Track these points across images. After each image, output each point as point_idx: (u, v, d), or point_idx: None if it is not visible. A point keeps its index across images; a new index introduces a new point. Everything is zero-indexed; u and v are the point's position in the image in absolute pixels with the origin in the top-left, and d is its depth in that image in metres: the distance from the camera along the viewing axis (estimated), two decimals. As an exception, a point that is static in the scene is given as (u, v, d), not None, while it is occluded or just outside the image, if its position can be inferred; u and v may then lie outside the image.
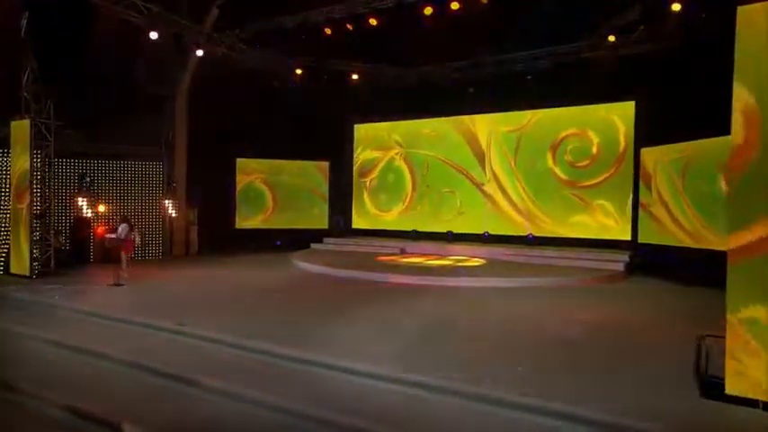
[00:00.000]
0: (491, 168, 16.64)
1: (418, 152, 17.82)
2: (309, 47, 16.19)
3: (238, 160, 17.44)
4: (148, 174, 15.50)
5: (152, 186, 15.54)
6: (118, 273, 10.70)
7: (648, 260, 12.85)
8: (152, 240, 15.43)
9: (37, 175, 11.78)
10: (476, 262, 14.06)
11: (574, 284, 11.36)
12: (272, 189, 18.03)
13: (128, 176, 15.16)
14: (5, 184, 12.69)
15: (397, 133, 18.28)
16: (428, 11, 12.54)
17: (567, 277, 11.77)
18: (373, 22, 13.25)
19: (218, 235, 17.05)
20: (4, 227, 12.69)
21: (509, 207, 16.31)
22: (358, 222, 18.84)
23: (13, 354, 6.94)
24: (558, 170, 15.50)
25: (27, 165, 11.52)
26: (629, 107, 14.46)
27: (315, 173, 18.50)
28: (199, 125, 16.11)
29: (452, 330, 7.51)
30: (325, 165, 18.48)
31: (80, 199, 13.44)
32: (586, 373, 5.64)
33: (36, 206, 11.75)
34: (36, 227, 11.75)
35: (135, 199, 15.18)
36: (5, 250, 12.47)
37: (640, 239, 13.47)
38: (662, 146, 12.65)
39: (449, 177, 17.30)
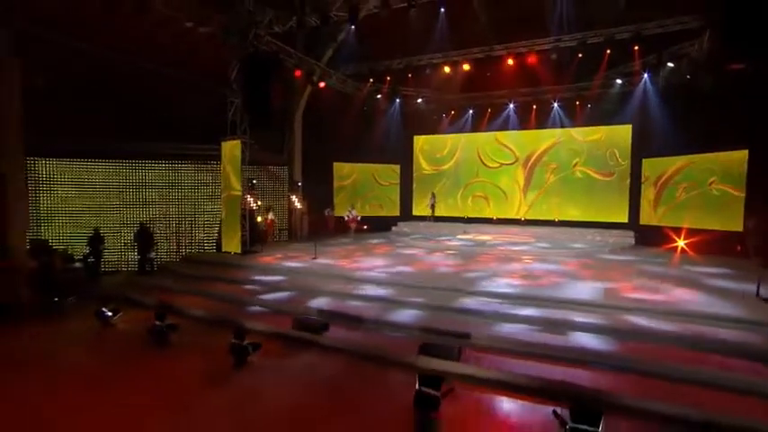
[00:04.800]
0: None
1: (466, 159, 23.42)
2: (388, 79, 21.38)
3: (335, 164, 22.33)
4: (277, 175, 20.14)
5: (279, 185, 20.20)
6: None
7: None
8: (281, 227, 20.16)
9: (243, 181, 16.32)
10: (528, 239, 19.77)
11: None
12: (359, 185, 23.07)
13: (263, 178, 19.77)
14: (214, 185, 17.57)
15: (449, 144, 23.78)
16: (510, 62, 17.88)
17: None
18: (467, 67, 18.49)
19: (318, 222, 21.97)
20: (215, 218, 17.17)
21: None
22: (417, 211, 24.21)
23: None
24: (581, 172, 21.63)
25: (238, 173, 16.02)
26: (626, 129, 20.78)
27: (390, 173, 23.70)
28: (308, 137, 20.92)
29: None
30: (397, 167, 23.73)
31: (249, 197, 17.91)
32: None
33: (244, 202, 16.33)
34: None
35: (269, 195, 19.87)
36: (216, 235, 17.01)
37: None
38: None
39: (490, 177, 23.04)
